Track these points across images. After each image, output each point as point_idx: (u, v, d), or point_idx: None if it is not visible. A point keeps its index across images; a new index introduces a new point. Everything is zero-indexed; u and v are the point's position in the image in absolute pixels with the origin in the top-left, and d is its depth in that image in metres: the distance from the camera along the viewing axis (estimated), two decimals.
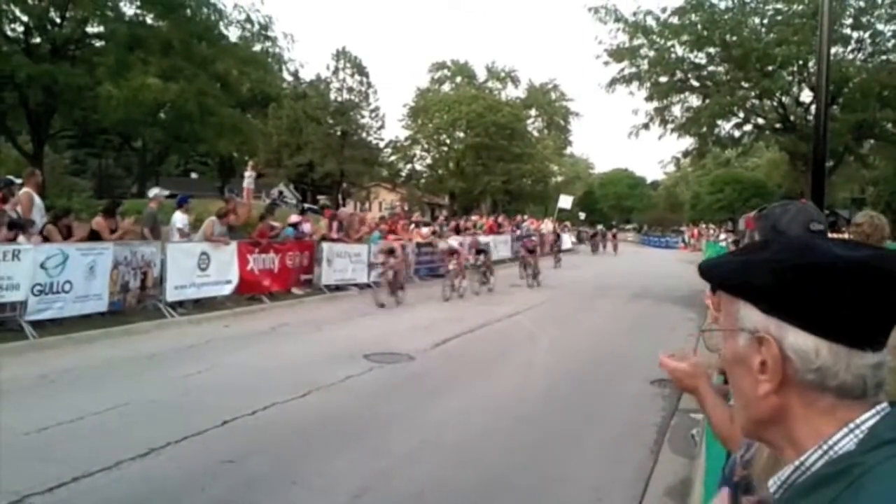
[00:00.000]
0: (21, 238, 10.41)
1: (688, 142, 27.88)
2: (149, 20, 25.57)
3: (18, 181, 11.96)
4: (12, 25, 24.41)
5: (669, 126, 26.09)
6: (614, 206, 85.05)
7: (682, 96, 25.86)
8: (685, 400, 8.00)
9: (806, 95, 24.92)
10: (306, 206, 35.55)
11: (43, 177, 13.20)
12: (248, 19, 27.63)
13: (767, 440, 0.97)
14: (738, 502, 1.06)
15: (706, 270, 1.02)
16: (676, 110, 26.20)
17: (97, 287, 10.81)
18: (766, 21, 23.53)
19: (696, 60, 24.79)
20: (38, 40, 25.19)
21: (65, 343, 9.66)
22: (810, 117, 25.09)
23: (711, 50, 24.19)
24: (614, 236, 47.55)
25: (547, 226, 38.77)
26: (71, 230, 11.59)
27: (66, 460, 5.30)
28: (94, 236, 11.85)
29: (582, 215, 61.30)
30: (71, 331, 10.09)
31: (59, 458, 5.36)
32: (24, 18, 24.17)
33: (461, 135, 54.97)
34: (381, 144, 57.14)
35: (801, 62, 23.07)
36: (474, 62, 65.29)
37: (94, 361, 8.83)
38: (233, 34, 28.04)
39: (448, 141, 56.58)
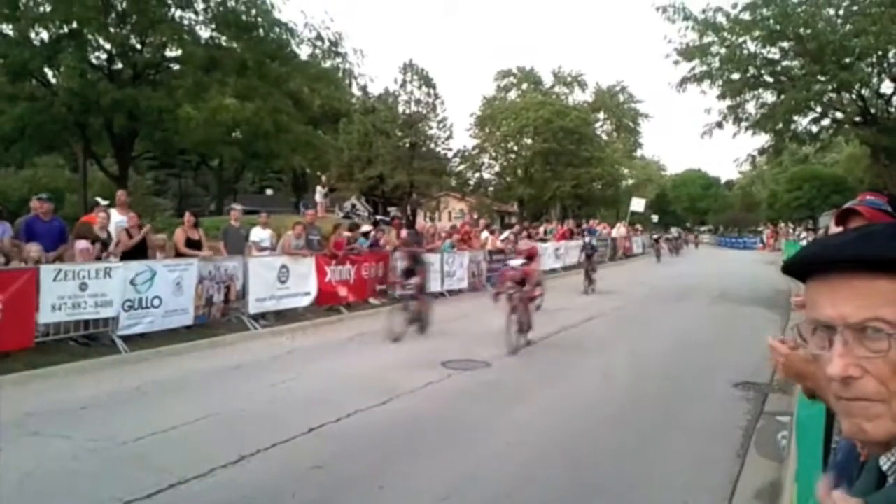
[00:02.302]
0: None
1: (763, 139, 27.13)
2: (223, 42, 26.26)
3: (104, 202, 12.72)
4: (96, 53, 25.45)
5: (744, 124, 25.42)
6: (688, 208, 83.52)
7: (755, 93, 25.18)
8: (771, 403, 7.85)
9: (887, 87, 24.08)
10: (378, 217, 36.07)
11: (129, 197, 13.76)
12: (319, 37, 27.98)
13: None
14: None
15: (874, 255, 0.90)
16: (750, 107, 25.55)
17: (184, 301, 11.17)
18: (841, 12, 22.78)
19: (770, 56, 24.16)
20: (120, 66, 26.10)
21: (154, 356, 9.99)
22: (892, 109, 24.27)
23: (785, 44, 23.54)
24: (657, 240, 40.69)
25: (619, 230, 38.17)
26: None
27: (162, 468, 5.49)
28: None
29: (655, 218, 60.31)
30: (160, 345, 10.44)
31: (156, 466, 5.56)
32: (107, 46, 25.14)
33: (529, 141, 54.66)
34: (450, 154, 57.22)
35: (880, 53, 22.27)
36: (540, 68, 64.90)
37: (183, 373, 9.14)
38: (303, 52, 28.50)
39: (516, 148, 56.36)
